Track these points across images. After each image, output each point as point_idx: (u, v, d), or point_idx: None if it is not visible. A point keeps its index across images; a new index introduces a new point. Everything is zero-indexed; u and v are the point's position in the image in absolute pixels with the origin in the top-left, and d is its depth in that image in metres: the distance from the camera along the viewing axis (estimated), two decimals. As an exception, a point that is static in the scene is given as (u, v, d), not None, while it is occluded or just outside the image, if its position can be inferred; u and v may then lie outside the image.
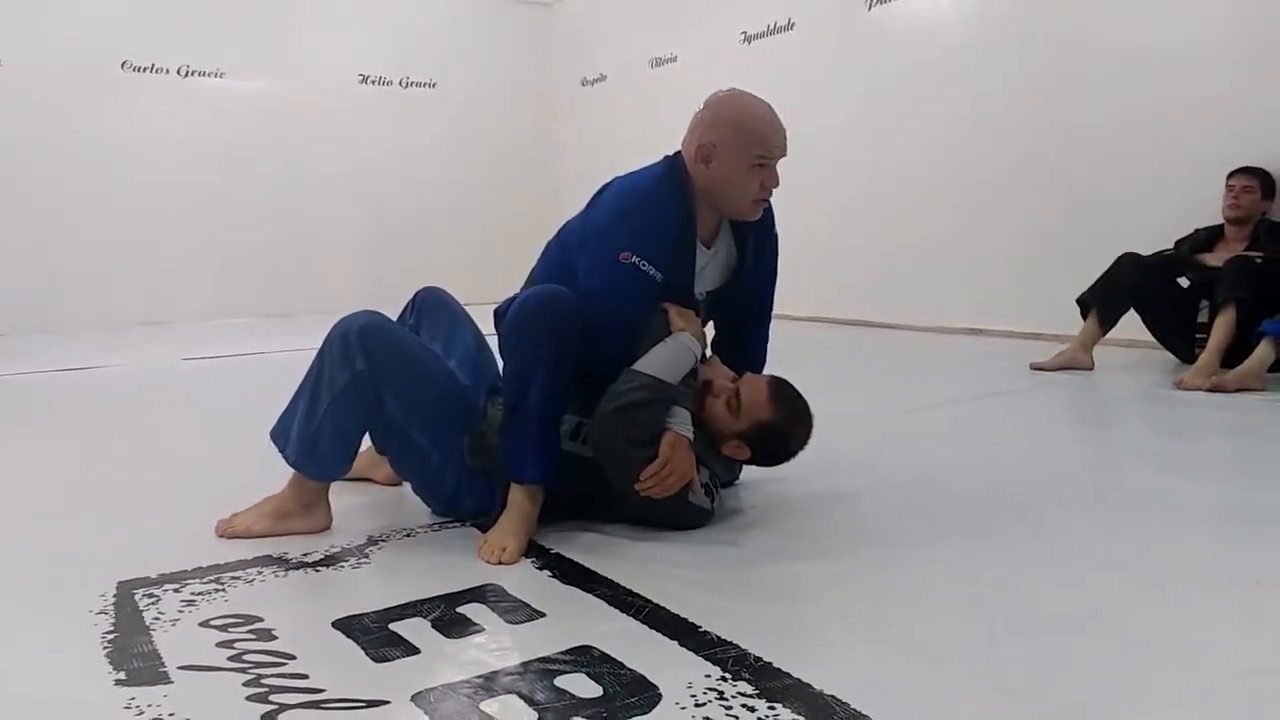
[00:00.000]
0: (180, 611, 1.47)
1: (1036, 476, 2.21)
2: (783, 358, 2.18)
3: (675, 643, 1.32)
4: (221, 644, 1.35)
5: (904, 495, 2.08)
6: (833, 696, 1.15)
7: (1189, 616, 1.40)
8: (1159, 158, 4.18)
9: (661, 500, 1.73)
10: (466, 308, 2.16)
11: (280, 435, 1.86)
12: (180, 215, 6.80)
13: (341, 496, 1.96)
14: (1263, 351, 3.18)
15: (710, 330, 2.07)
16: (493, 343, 1.99)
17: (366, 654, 1.31)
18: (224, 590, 1.56)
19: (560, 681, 1.21)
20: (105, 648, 1.34)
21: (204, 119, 6.83)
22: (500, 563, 1.66)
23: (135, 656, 1.31)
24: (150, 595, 1.54)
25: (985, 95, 4.89)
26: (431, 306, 2.13)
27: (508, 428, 1.77)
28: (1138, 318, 3.80)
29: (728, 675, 1.22)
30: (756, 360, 2.10)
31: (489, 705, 1.16)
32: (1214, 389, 3.13)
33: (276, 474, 1.86)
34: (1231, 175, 3.70)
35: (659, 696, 1.17)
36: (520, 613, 1.45)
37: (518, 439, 1.76)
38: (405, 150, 7.65)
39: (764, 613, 1.43)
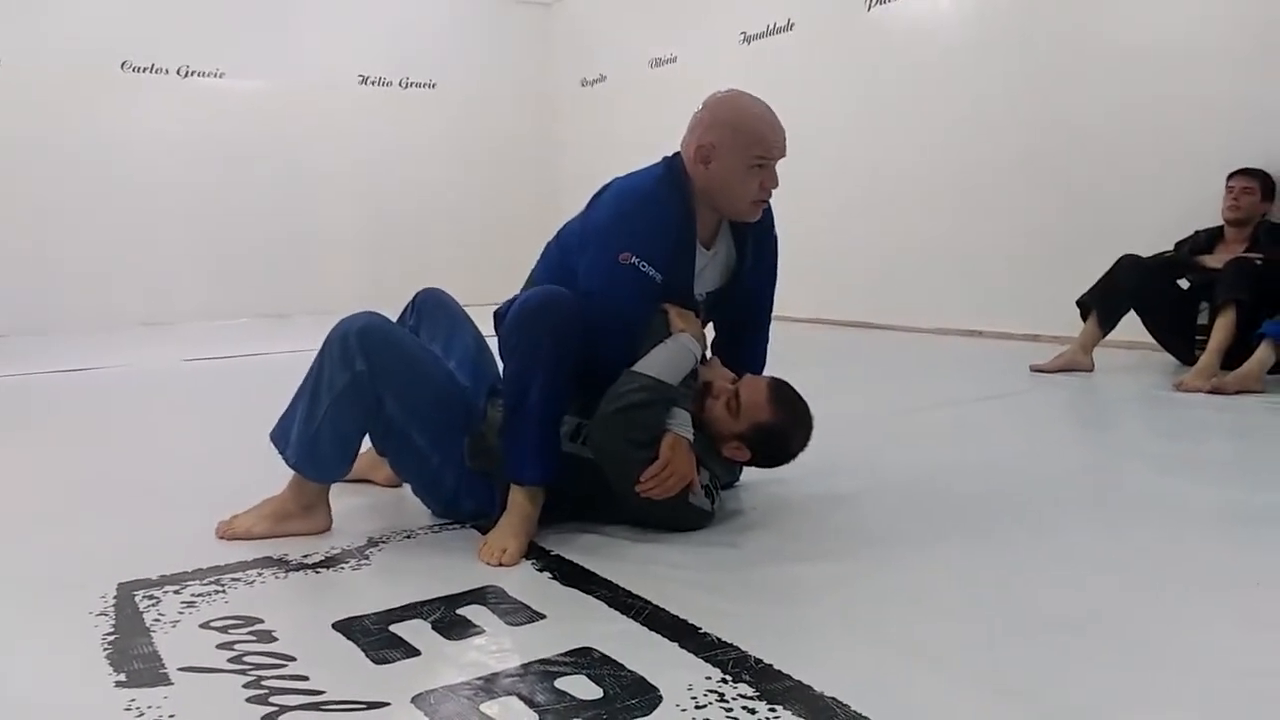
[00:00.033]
0: (180, 613, 1.47)
1: (1036, 478, 2.22)
2: (782, 359, 2.18)
3: (676, 644, 1.32)
4: (222, 645, 1.35)
5: (904, 496, 2.08)
6: (833, 698, 1.15)
7: (1189, 618, 1.40)
8: (1159, 158, 4.18)
9: (662, 502, 1.73)
10: (466, 309, 2.16)
11: (280, 437, 1.86)
12: (180, 216, 6.79)
13: (342, 498, 1.96)
14: (1263, 353, 3.18)
15: (710, 331, 2.07)
16: (493, 344, 1.99)
17: (367, 656, 1.31)
18: (224, 592, 1.56)
19: (561, 683, 1.21)
20: (105, 649, 1.34)
21: (203, 119, 6.82)
22: (500, 564, 1.66)
23: (135, 658, 1.31)
24: (150, 597, 1.54)
25: (985, 95, 4.90)
26: (431, 307, 2.13)
27: (508, 429, 1.77)
28: (1138, 319, 3.80)
29: (728, 677, 1.22)
30: (756, 361, 2.10)
31: (489, 707, 1.16)
32: (1214, 391, 3.14)
33: (276, 475, 1.86)
34: (1231, 177, 3.70)
35: (659, 698, 1.17)
36: (520, 614, 1.45)
37: (518, 440, 1.76)
38: (405, 151, 7.65)
39: (764, 614, 1.43)
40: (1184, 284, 3.72)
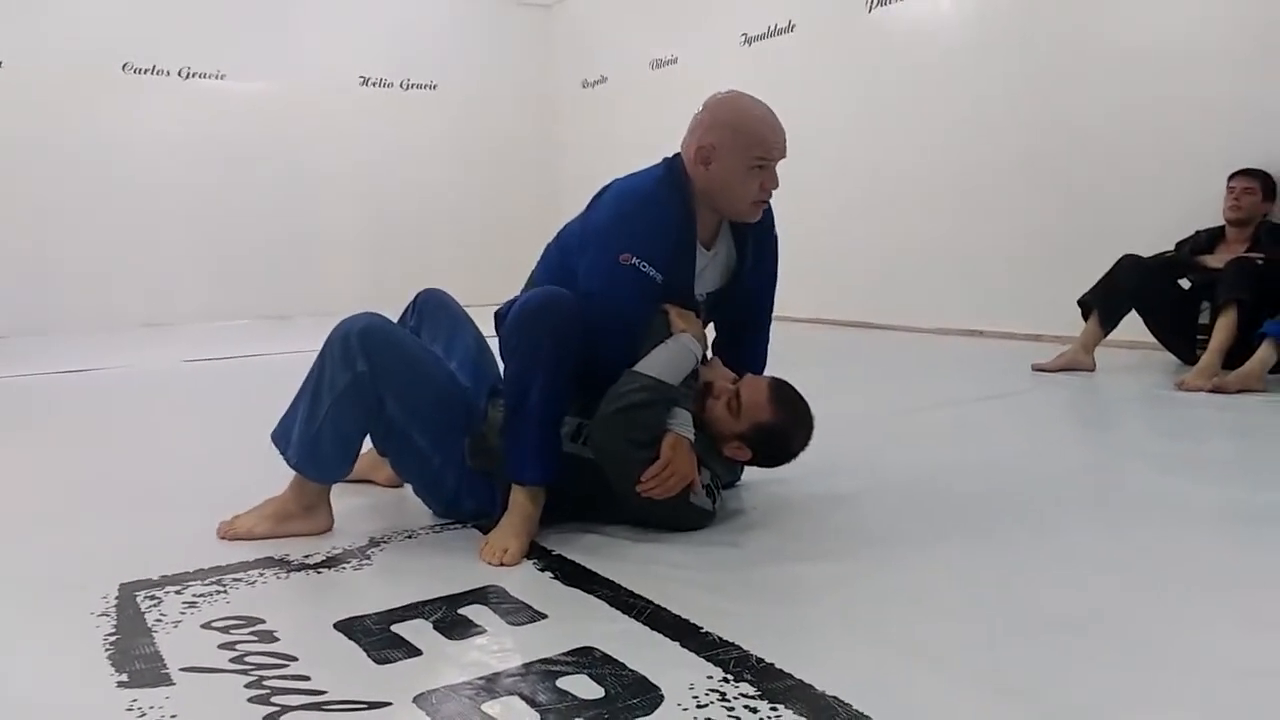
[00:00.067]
0: (182, 613, 1.47)
1: (1037, 477, 2.21)
2: (783, 359, 2.18)
3: (677, 644, 1.32)
4: (223, 645, 1.35)
5: (904, 496, 2.08)
6: (834, 697, 1.15)
7: (1190, 618, 1.40)
8: (1159, 158, 4.18)
9: (663, 501, 1.73)
10: (467, 309, 2.16)
11: (281, 437, 1.86)
12: (180, 217, 6.80)
13: (343, 498, 1.96)
14: (1264, 353, 3.18)
15: (711, 332, 2.07)
16: (493, 345, 1.99)
17: (368, 655, 1.31)
18: (226, 592, 1.56)
19: (562, 683, 1.21)
20: (107, 649, 1.34)
21: (204, 120, 6.83)
22: (502, 564, 1.66)
23: (137, 658, 1.31)
24: (152, 597, 1.54)
25: (985, 96, 4.90)
26: (432, 308, 2.13)
27: (508, 429, 1.77)
28: (1139, 319, 3.80)
29: (730, 676, 1.22)
30: (757, 362, 2.10)
31: (491, 707, 1.16)
32: (1215, 390, 3.14)
33: (278, 476, 1.86)
34: (1232, 177, 3.70)
35: (661, 698, 1.17)
36: (522, 614, 1.45)
37: (518, 441, 1.76)
38: (405, 152, 7.66)
39: (765, 614, 1.43)
40: (1185, 284, 3.72)
